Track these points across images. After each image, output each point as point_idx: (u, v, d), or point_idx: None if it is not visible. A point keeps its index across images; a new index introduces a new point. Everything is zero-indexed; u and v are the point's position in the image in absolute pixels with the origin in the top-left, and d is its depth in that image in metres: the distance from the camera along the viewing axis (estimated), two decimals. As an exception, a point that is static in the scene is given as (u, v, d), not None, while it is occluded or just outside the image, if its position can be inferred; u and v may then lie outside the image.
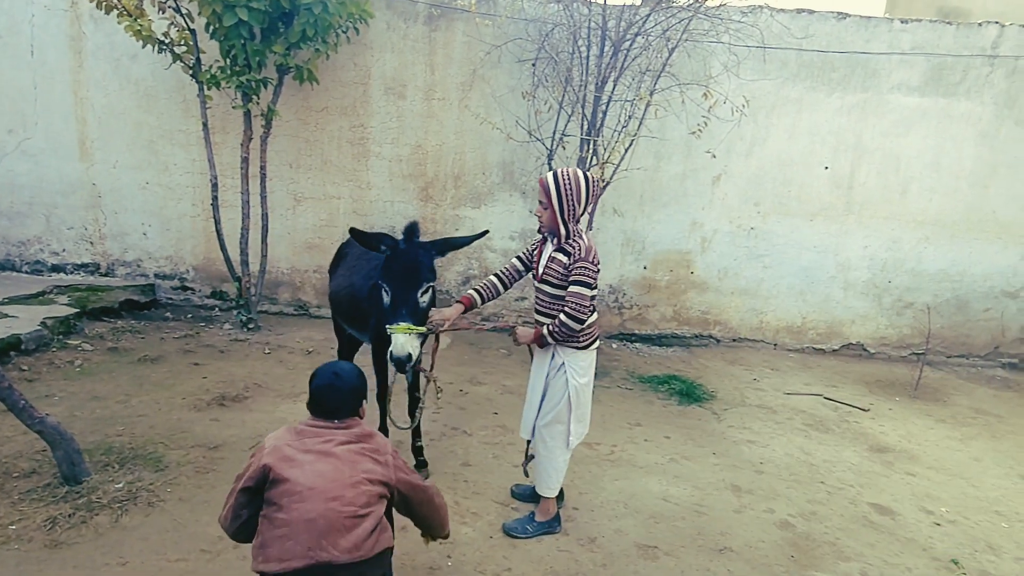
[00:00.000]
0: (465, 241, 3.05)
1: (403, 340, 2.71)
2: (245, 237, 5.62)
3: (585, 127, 5.24)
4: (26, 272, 6.37)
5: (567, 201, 2.78)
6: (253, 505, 1.90)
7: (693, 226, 6.40)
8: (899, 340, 6.68)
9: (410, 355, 2.73)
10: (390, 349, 2.75)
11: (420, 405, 3.17)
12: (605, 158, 5.20)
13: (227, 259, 5.64)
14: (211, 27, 4.82)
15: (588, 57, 5.25)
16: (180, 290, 6.48)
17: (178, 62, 4.98)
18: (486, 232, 2.92)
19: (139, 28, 4.62)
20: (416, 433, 3.49)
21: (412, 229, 2.92)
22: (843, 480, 3.95)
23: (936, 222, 6.39)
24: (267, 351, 5.34)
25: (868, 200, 6.36)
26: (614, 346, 6.34)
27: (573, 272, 2.77)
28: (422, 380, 3.20)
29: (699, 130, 5.41)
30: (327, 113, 6.06)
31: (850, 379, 5.97)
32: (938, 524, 3.53)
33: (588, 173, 2.86)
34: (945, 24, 6.03)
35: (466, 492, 3.40)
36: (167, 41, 4.83)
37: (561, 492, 3.22)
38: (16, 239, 6.33)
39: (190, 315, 6.18)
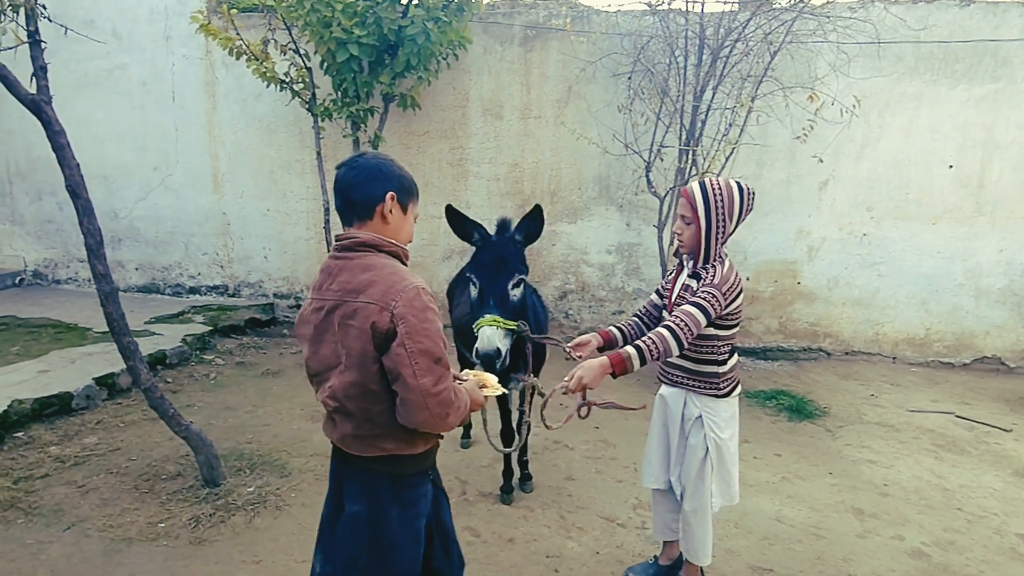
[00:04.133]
0: (534, 224, 2.62)
1: (490, 332, 2.40)
2: (354, 257, 5.96)
3: (683, 137, 5.16)
4: (168, 294, 7.10)
5: (717, 217, 2.31)
6: None
7: (799, 234, 6.11)
8: (1046, 354, 6.01)
9: (498, 350, 2.38)
10: (475, 345, 2.43)
11: (526, 419, 3.01)
12: (705, 168, 5.09)
13: (338, 278, 6.00)
14: (325, 64, 5.21)
15: (685, 67, 5.18)
16: (295, 308, 6.96)
17: (296, 98, 5.40)
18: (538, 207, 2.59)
19: (264, 70, 5.08)
20: (523, 448, 3.56)
21: (505, 224, 2.70)
22: (985, 507, 3.60)
23: (1087, 221, 5.73)
24: (375, 365, 5.61)
25: (1003, 199, 5.80)
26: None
27: (700, 293, 2.29)
28: (519, 414, 3.04)
29: (804, 134, 5.17)
30: (428, 137, 6.35)
31: (986, 396, 5.44)
32: (1102, 560, 3.14)
33: (742, 183, 2.38)
34: (1089, 3, 5.44)
35: (570, 506, 3.41)
36: (287, 80, 5.26)
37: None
38: (160, 265, 7.08)
39: (305, 331, 6.62)
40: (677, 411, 2.56)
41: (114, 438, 3.94)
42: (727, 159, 5.26)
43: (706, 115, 5.11)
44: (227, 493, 3.33)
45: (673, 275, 2.58)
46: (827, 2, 5.10)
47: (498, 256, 2.56)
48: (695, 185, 2.38)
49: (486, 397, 1.90)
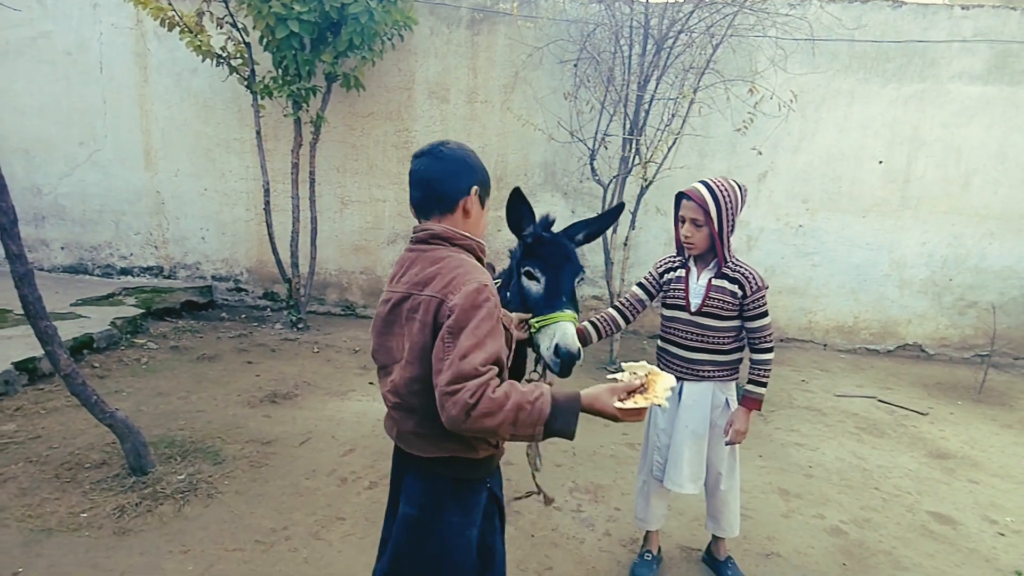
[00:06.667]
0: (601, 222, 2.33)
1: (573, 331, 2.02)
2: (295, 240, 5.82)
3: (627, 126, 5.22)
4: (97, 275, 6.77)
5: (727, 216, 2.41)
6: None
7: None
8: (961, 341, 6.39)
9: (580, 351, 2.02)
10: (555, 342, 2.02)
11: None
12: (648, 157, 5.16)
13: (278, 261, 5.85)
14: (264, 40, 5.03)
15: (630, 56, 5.23)
16: (235, 291, 6.76)
17: (234, 74, 5.20)
18: (622, 206, 2.38)
19: (199, 44, 4.86)
20: None
21: (549, 221, 2.36)
22: (899, 487, 3.82)
23: (1001, 216, 6.09)
24: (316, 350, 5.52)
25: (926, 194, 6.11)
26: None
27: (754, 304, 2.46)
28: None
29: (744, 127, 5.31)
30: (373, 118, 6.22)
31: (906, 381, 5.76)
32: (1002, 534, 3.38)
33: (738, 181, 2.50)
34: (1010, 10, 5.75)
35: (507, 490, 3.42)
36: (224, 55, 5.05)
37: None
38: (88, 244, 6.73)
39: (244, 315, 6.44)
40: (705, 404, 2.61)
41: (34, 425, 3.74)
42: (670, 149, 5.34)
43: (650, 105, 5.18)
44: (155, 481, 3.22)
45: (676, 275, 2.59)
46: (767, -2, 5.23)
47: (565, 251, 2.33)
48: (702, 188, 2.41)
49: (630, 409, 1.46)
